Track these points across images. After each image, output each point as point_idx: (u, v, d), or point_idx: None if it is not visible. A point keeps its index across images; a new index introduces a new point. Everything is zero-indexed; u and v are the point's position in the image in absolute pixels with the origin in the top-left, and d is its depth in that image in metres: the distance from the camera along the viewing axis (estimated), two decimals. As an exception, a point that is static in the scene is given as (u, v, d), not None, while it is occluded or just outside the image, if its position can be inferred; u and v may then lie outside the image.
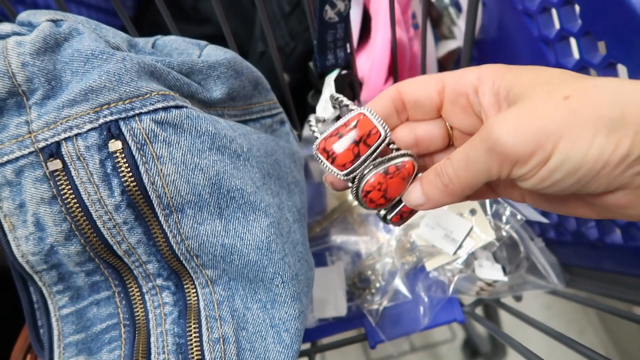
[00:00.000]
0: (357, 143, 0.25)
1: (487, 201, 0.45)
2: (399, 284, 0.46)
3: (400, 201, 0.27)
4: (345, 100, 0.29)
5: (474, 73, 0.25)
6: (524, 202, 0.27)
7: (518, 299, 0.49)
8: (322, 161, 0.26)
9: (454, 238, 0.43)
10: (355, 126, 0.26)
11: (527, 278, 0.45)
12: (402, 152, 0.27)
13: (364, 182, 0.26)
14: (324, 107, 0.34)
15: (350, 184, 0.27)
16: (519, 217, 0.43)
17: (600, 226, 0.44)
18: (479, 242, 0.43)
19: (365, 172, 0.26)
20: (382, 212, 0.28)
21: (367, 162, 0.26)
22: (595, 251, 0.46)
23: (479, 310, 0.50)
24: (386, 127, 0.26)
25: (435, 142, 0.28)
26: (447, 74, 0.26)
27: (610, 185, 0.20)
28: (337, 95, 0.30)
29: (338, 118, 0.29)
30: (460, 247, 0.43)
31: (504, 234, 0.43)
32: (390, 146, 0.27)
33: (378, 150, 0.26)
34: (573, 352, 0.35)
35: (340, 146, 0.25)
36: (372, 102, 0.28)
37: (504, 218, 0.44)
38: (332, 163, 0.26)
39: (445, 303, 0.46)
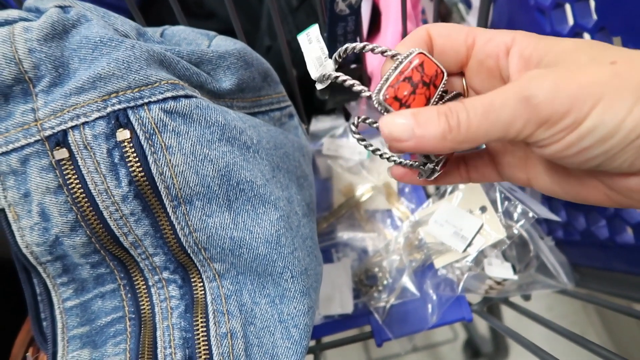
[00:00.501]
0: (427, 85, 0.23)
1: (498, 198, 0.44)
2: (406, 281, 0.46)
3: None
4: (350, 80, 0.25)
5: (509, 35, 0.23)
6: (528, 185, 0.26)
7: (527, 298, 0.48)
8: (389, 112, 0.23)
9: (464, 235, 0.43)
10: (423, 68, 0.23)
11: (537, 277, 0.45)
12: (455, 92, 0.25)
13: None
14: (318, 65, 0.29)
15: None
16: (530, 214, 0.42)
17: (610, 225, 0.44)
18: (489, 239, 0.42)
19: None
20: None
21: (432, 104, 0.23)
22: (605, 251, 0.45)
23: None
24: (444, 68, 0.24)
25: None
26: (480, 30, 0.24)
27: (636, 164, 0.19)
28: (337, 74, 0.26)
29: (338, 70, 0.26)
30: (470, 244, 0.43)
31: (515, 231, 0.43)
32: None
33: (441, 93, 0.24)
34: (576, 352, 0.35)
35: (414, 91, 0.23)
36: (404, 42, 0.25)
37: (515, 216, 0.43)
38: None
39: (454, 301, 0.45)
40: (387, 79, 0.23)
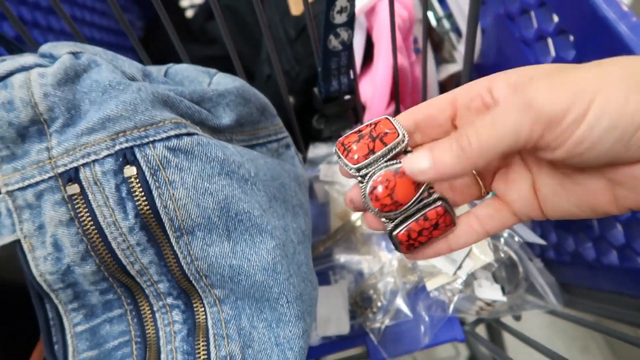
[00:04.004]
0: (373, 139, 0.25)
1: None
2: (400, 303, 0.47)
3: (409, 216, 0.26)
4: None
5: (484, 78, 0.25)
6: (542, 217, 0.26)
7: (517, 318, 0.49)
8: (338, 156, 0.26)
9: (454, 259, 0.44)
10: (375, 125, 0.26)
11: (526, 298, 0.46)
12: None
13: (373, 177, 0.25)
14: None
15: (360, 184, 0.26)
16: (516, 238, 0.44)
17: (597, 246, 0.45)
18: (478, 262, 0.44)
19: (377, 171, 0.25)
20: (389, 227, 0.26)
21: (381, 161, 0.25)
22: (593, 271, 0.47)
23: (480, 329, 0.51)
24: (405, 132, 0.26)
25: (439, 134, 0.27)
26: (456, 89, 0.26)
27: None
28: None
29: None
30: (459, 267, 0.44)
31: (502, 255, 0.44)
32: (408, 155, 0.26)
33: (393, 152, 0.25)
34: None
35: (357, 140, 0.26)
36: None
37: (502, 239, 0.45)
38: (346, 156, 0.26)
39: (446, 322, 0.46)
40: (346, 134, 0.27)
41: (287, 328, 0.31)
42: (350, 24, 0.39)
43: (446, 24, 0.63)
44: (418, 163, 0.23)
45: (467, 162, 0.22)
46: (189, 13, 0.91)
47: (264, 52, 0.63)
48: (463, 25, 0.58)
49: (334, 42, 0.40)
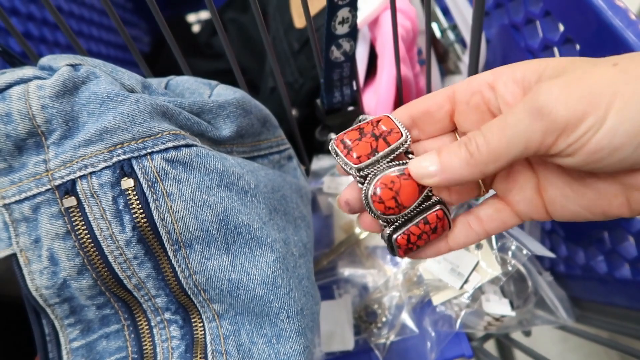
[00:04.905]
0: (376, 138, 0.24)
1: (493, 235, 0.45)
2: (405, 318, 0.46)
3: (409, 219, 0.25)
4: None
5: (487, 73, 0.24)
6: (546, 218, 0.25)
7: (527, 334, 0.48)
8: (337, 154, 0.25)
9: (460, 272, 0.43)
10: (377, 123, 0.25)
11: (536, 313, 0.45)
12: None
13: (376, 178, 0.24)
14: None
15: (360, 185, 0.25)
16: (525, 251, 0.43)
17: (609, 260, 0.44)
18: (486, 276, 0.43)
19: (379, 172, 0.24)
20: (388, 230, 0.26)
21: (383, 162, 0.24)
22: (605, 286, 0.46)
23: (489, 345, 0.49)
24: (408, 133, 0.25)
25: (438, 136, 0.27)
26: (456, 84, 0.25)
27: None
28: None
29: None
30: (466, 281, 0.43)
31: (510, 268, 0.43)
32: (409, 156, 0.26)
33: (396, 153, 0.25)
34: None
35: (359, 138, 0.25)
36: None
37: (510, 252, 0.44)
38: (346, 155, 0.24)
39: (453, 338, 0.45)
40: (345, 131, 0.25)
41: (287, 344, 0.30)
42: (352, 34, 0.39)
43: (451, 35, 0.62)
44: (425, 167, 0.23)
45: (476, 169, 0.21)
46: (196, 28, 0.92)
47: (268, 65, 0.63)
48: (468, 36, 0.57)
49: (336, 53, 0.39)
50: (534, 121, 0.19)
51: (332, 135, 0.27)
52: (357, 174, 0.25)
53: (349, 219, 0.53)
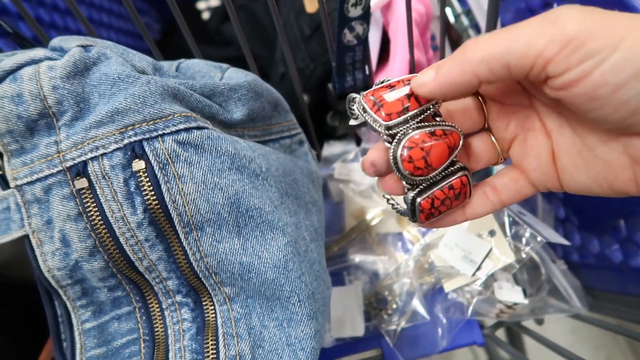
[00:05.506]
0: (408, 97, 0.24)
1: (507, 222, 0.44)
2: (417, 304, 0.46)
3: (433, 183, 0.25)
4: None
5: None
6: (559, 188, 0.25)
7: (540, 322, 0.48)
8: (365, 110, 0.24)
9: (473, 259, 0.43)
10: (409, 82, 0.24)
11: (549, 301, 0.45)
12: (448, 124, 0.25)
13: (407, 137, 0.23)
14: None
15: (388, 144, 0.24)
16: (539, 239, 0.42)
17: (624, 249, 0.44)
18: (498, 263, 0.43)
19: (409, 131, 0.24)
20: (412, 193, 0.25)
21: (413, 121, 0.24)
22: (620, 275, 0.45)
23: (500, 333, 0.49)
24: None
25: (467, 118, 0.26)
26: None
27: None
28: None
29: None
30: (479, 268, 0.43)
31: (524, 255, 0.43)
32: (437, 119, 0.25)
33: (427, 113, 0.24)
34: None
35: (391, 95, 0.24)
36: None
37: (524, 240, 0.43)
38: (376, 112, 0.24)
39: (464, 325, 0.45)
40: (374, 88, 0.25)
41: (298, 328, 0.30)
42: (365, 17, 0.38)
43: (465, 20, 0.61)
44: (424, 76, 0.23)
45: (467, 67, 0.21)
46: (205, 15, 0.91)
47: (278, 51, 0.63)
48: (482, 22, 0.56)
49: (348, 36, 0.39)
50: (544, 27, 0.19)
51: (354, 95, 0.26)
52: (386, 132, 0.24)
53: (359, 205, 0.53)
